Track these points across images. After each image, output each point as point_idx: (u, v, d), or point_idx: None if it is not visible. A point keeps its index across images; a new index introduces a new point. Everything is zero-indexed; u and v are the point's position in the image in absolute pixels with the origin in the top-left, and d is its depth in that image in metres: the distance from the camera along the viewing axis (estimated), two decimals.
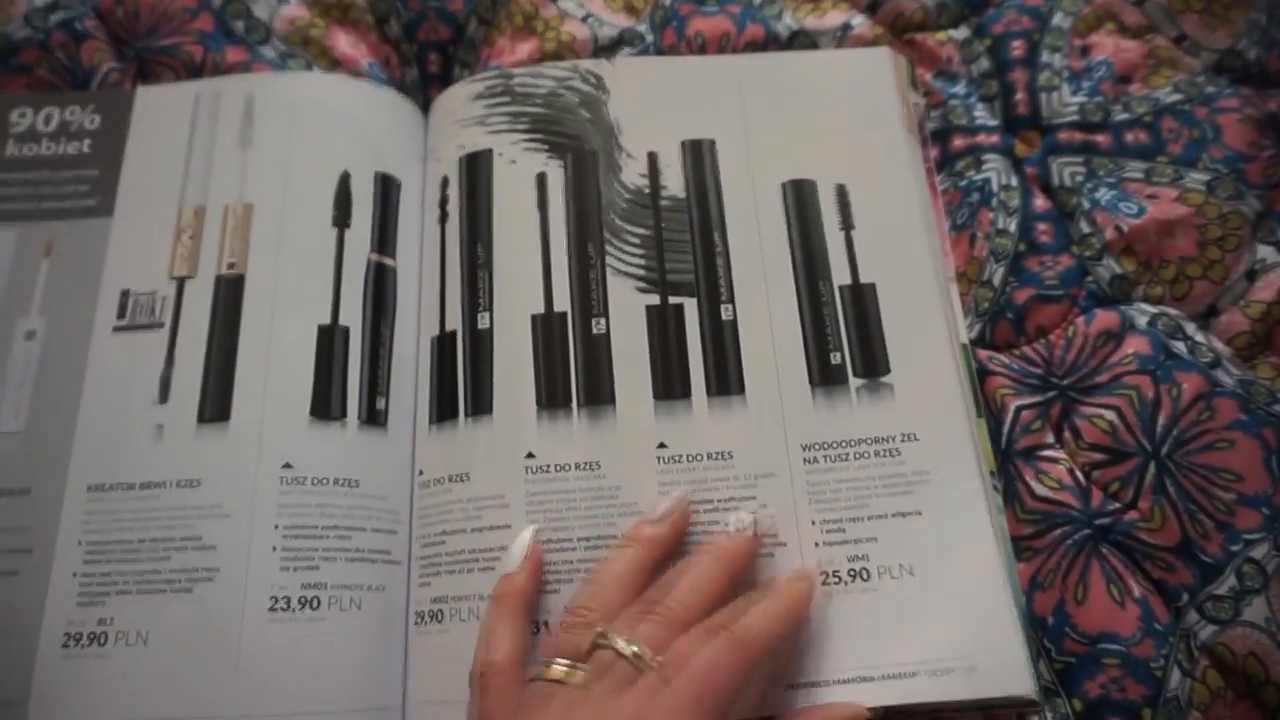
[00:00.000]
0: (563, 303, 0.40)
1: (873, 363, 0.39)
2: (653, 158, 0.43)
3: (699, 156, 0.43)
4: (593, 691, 0.29)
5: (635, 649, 0.30)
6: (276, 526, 0.37)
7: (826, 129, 0.43)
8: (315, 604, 0.36)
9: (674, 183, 0.42)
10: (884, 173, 0.42)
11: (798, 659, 0.34)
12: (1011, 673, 0.33)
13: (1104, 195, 0.42)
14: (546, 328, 0.40)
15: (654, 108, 0.44)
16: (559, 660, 0.30)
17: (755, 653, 0.30)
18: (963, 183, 0.44)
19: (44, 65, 0.46)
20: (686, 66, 0.45)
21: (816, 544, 0.36)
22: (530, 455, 0.38)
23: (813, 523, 0.36)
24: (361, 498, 0.38)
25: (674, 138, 0.43)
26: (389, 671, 0.37)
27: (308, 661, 0.36)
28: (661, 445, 0.38)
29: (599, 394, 0.39)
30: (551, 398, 0.39)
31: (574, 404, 0.39)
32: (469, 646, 0.36)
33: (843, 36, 0.47)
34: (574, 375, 0.39)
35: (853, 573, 0.35)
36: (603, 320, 0.40)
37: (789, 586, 0.34)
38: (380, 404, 0.40)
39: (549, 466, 0.38)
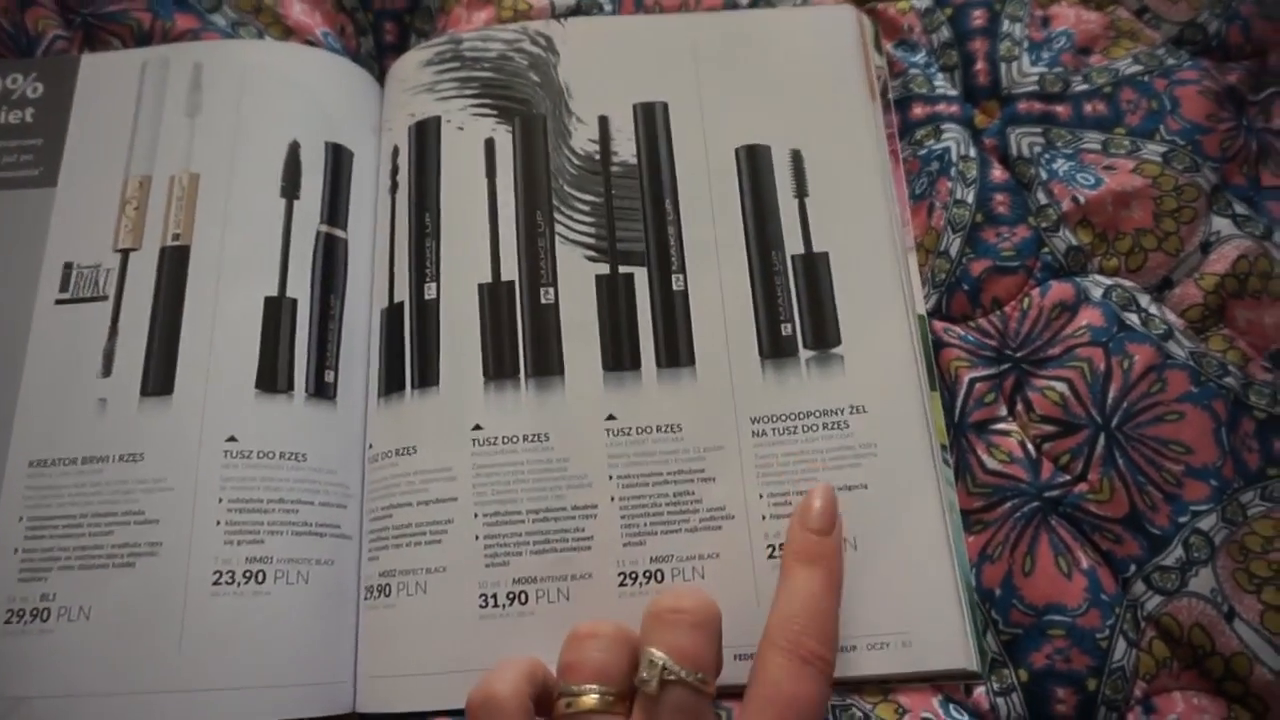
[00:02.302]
0: (510, 272, 0.40)
1: (823, 334, 0.38)
2: (604, 122, 0.42)
3: (651, 120, 0.42)
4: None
5: (700, 676, 0.29)
6: (221, 500, 0.36)
7: (783, 90, 0.42)
8: (260, 578, 0.36)
9: (625, 148, 0.41)
10: (842, 137, 0.41)
11: (744, 630, 0.33)
12: (950, 646, 0.33)
13: (1061, 166, 0.42)
14: (494, 297, 0.39)
15: (605, 70, 0.43)
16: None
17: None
18: (922, 151, 0.43)
19: None
20: (638, 27, 0.44)
21: (764, 517, 0.36)
22: (477, 427, 0.37)
23: (760, 496, 0.36)
24: (309, 471, 0.38)
25: (625, 101, 0.42)
26: (339, 646, 0.37)
27: (253, 635, 0.35)
28: (610, 417, 0.37)
29: (547, 365, 0.38)
30: (499, 368, 0.38)
31: (522, 375, 0.38)
32: (416, 620, 0.36)
33: (803, 3, 0.46)
34: (521, 345, 0.39)
35: None
36: (551, 290, 0.39)
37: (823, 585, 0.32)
38: (329, 377, 0.39)
39: (496, 439, 0.37)
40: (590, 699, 0.29)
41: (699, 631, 0.30)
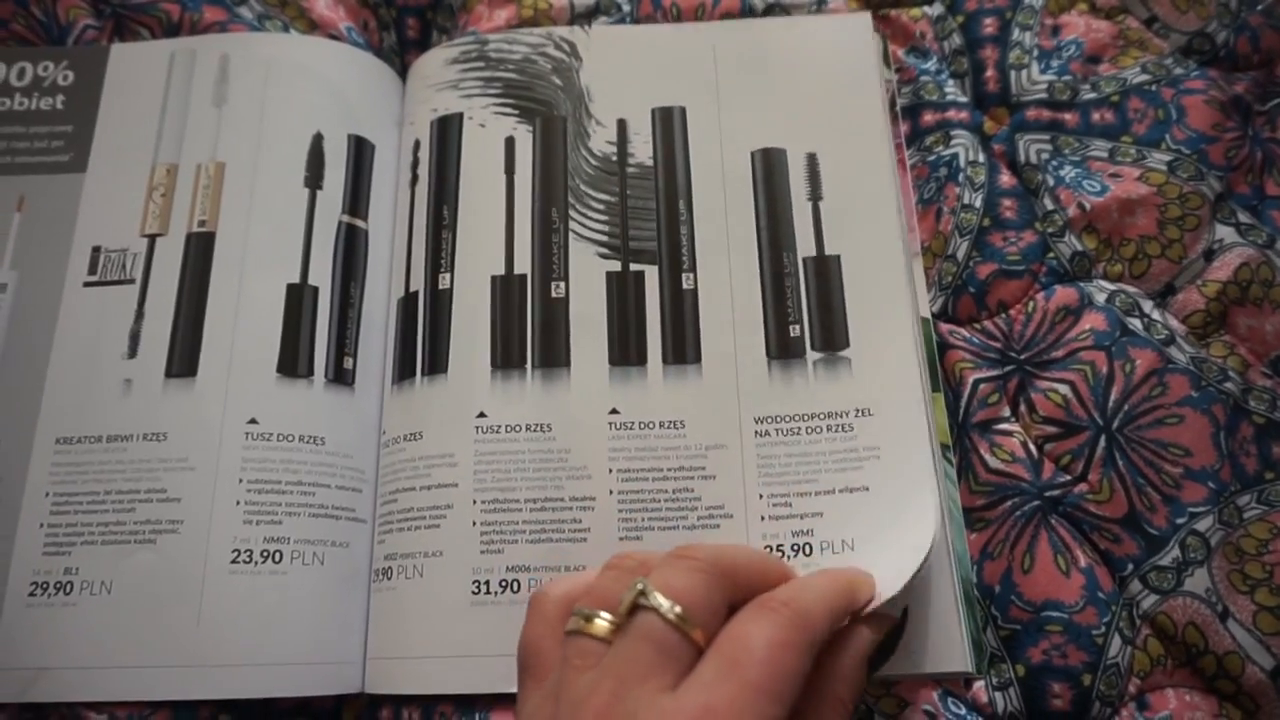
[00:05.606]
0: (523, 265, 0.40)
1: (831, 337, 0.39)
2: (622, 125, 0.43)
3: (669, 124, 0.43)
4: (635, 662, 0.26)
5: (679, 611, 0.27)
6: (241, 480, 0.37)
7: (801, 96, 0.43)
8: (277, 557, 0.37)
9: (642, 150, 0.42)
10: (857, 142, 0.42)
11: None
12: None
13: (1068, 173, 0.42)
14: (506, 289, 0.40)
15: (626, 75, 0.44)
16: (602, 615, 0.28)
17: (816, 632, 0.28)
18: (931, 157, 0.44)
19: (19, 20, 0.46)
20: (660, 34, 0.45)
21: (763, 517, 0.36)
22: (481, 415, 0.38)
23: (760, 496, 0.36)
24: (326, 455, 0.39)
25: (644, 105, 0.43)
26: (350, 626, 0.38)
27: (268, 613, 0.36)
28: (614, 411, 0.38)
29: (554, 357, 0.39)
30: (506, 358, 0.39)
31: (528, 365, 0.39)
32: (413, 604, 0.37)
33: (818, 9, 0.47)
34: (530, 337, 0.39)
35: (795, 547, 0.36)
36: (562, 284, 0.40)
37: (840, 570, 0.32)
38: (347, 363, 0.40)
39: (499, 426, 0.38)
40: (598, 625, 0.28)
41: (699, 575, 0.28)
